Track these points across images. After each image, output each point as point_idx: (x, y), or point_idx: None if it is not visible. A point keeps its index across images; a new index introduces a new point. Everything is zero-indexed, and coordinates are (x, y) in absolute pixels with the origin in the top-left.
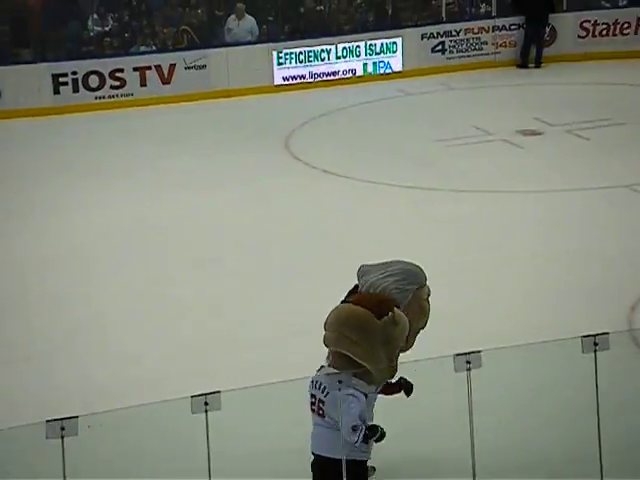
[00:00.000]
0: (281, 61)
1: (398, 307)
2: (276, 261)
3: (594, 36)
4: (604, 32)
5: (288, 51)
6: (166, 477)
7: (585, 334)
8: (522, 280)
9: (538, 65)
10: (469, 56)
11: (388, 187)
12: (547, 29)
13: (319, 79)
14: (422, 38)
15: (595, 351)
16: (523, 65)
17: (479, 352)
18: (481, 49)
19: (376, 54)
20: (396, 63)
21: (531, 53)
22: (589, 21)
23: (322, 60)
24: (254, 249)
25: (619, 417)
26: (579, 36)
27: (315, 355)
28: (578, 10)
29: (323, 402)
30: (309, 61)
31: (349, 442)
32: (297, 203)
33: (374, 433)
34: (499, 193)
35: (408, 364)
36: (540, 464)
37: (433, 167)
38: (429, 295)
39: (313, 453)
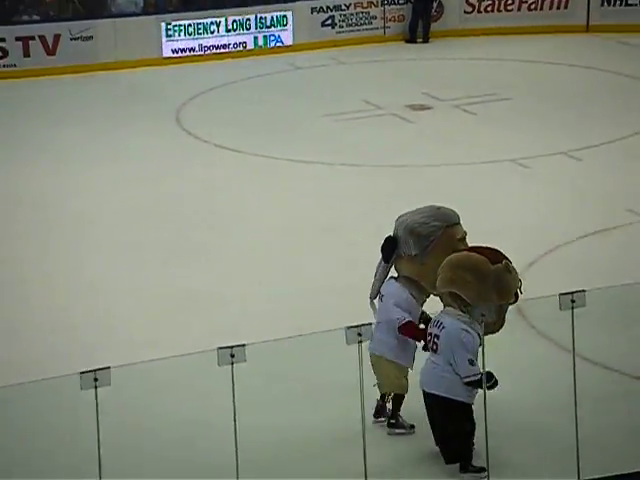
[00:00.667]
0: (170, 33)
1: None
2: (164, 236)
3: (479, 12)
4: (489, 8)
5: (177, 23)
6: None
7: None
8: None
9: (426, 40)
10: (359, 30)
11: (279, 161)
12: (434, 4)
13: (209, 52)
14: (312, 12)
15: (482, 322)
16: (412, 40)
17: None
18: (370, 23)
19: (267, 27)
20: (287, 37)
21: (419, 28)
22: None
23: (212, 33)
24: (144, 225)
25: (511, 384)
26: (465, 12)
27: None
28: None
29: (438, 337)
30: (199, 34)
31: (463, 376)
32: (188, 178)
33: (489, 378)
34: (389, 167)
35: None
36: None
37: (324, 141)
38: (464, 235)
39: (423, 390)
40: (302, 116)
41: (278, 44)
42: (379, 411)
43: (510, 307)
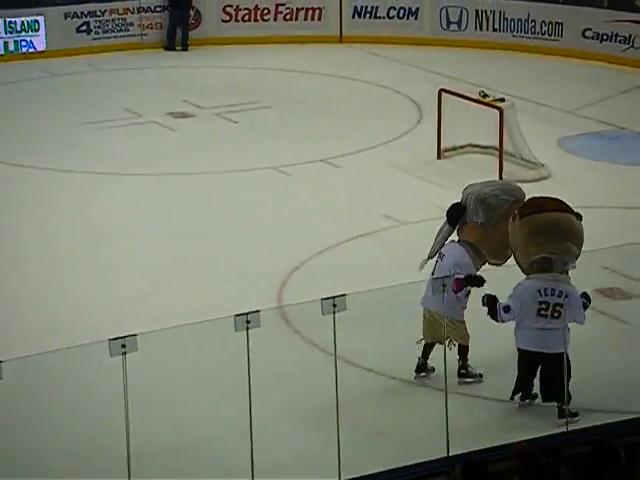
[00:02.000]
0: None
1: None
2: None
3: (237, 21)
4: (246, 17)
5: None
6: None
7: (238, 313)
8: (170, 262)
9: (185, 48)
10: (115, 37)
11: (37, 170)
12: (192, 12)
13: None
14: (65, 17)
15: (247, 329)
16: (170, 47)
17: (135, 335)
18: (127, 30)
19: (17, 32)
20: (39, 42)
21: (178, 35)
22: (231, 6)
23: None
24: None
25: (273, 392)
26: (223, 20)
27: None
28: None
29: (561, 305)
30: None
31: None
32: None
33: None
34: (151, 176)
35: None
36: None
37: (84, 150)
38: None
39: (535, 351)
40: (60, 124)
41: (30, 50)
42: (420, 367)
43: (275, 312)
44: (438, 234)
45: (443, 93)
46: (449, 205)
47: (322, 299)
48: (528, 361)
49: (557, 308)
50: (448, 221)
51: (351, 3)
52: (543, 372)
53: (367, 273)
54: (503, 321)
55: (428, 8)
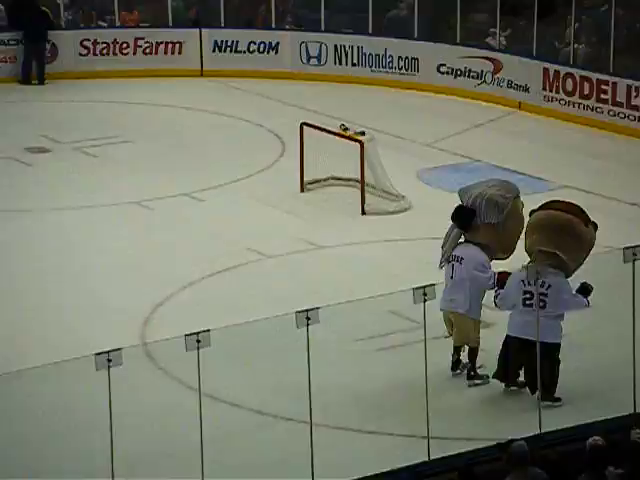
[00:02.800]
0: None
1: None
2: None
3: (95, 54)
4: (105, 51)
5: None
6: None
7: (99, 351)
8: (32, 298)
9: (41, 82)
10: None
11: None
12: (48, 45)
13: None
14: None
15: (109, 367)
16: (26, 81)
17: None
18: None
19: None
20: None
21: (33, 69)
22: (89, 39)
23: None
24: None
25: (137, 431)
26: (80, 54)
27: None
28: (78, 28)
29: (546, 294)
30: None
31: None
32: None
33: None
34: (11, 212)
35: None
36: None
37: None
38: (523, 206)
39: (520, 338)
40: None
41: None
42: (455, 365)
43: (139, 351)
44: (446, 238)
45: (304, 127)
46: (455, 209)
47: (186, 335)
48: (514, 348)
49: (542, 297)
50: (459, 225)
51: (211, 37)
52: (528, 359)
53: (232, 307)
54: (497, 306)
55: (288, 43)
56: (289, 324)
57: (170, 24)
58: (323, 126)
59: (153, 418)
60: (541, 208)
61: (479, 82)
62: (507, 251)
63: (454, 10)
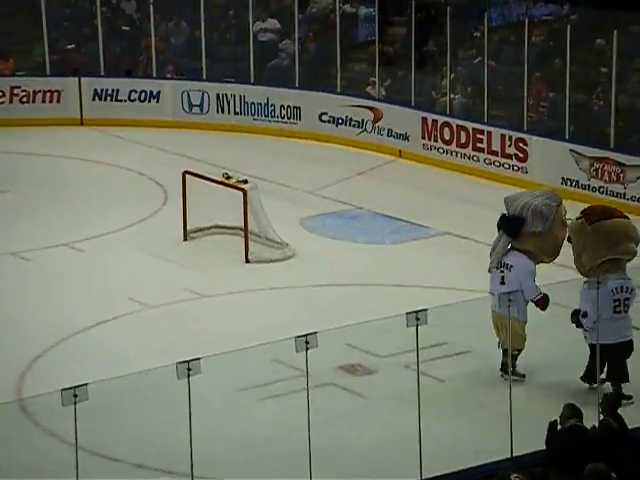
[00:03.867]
0: None
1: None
2: None
3: None
4: None
5: None
6: None
7: None
8: None
9: None
10: None
11: None
12: None
13: None
14: None
15: None
16: None
17: None
18: None
19: None
20: None
21: None
22: None
23: None
24: None
25: None
26: None
27: None
28: None
29: (629, 299)
30: None
31: None
32: None
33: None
34: None
35: None
36: None
37: None
38: (566, 213)
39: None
40: None
41: None
42: (504, 366)
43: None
44: (494, 246)
45: (187, 175)
46: (500, 217)
47: (62, 390)
48: (605, 352)
49: (626, 302)
50: (508, 233)
51: (91, 86)
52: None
53: (113, 359)
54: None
55: (169, 91)
56: (171, 375)
57: (47, 73)
58: (206, 175)
59: (29, 475)
60: (601, 217)
61: (360, 131)
62: (552, 255)
63: (334, 60)
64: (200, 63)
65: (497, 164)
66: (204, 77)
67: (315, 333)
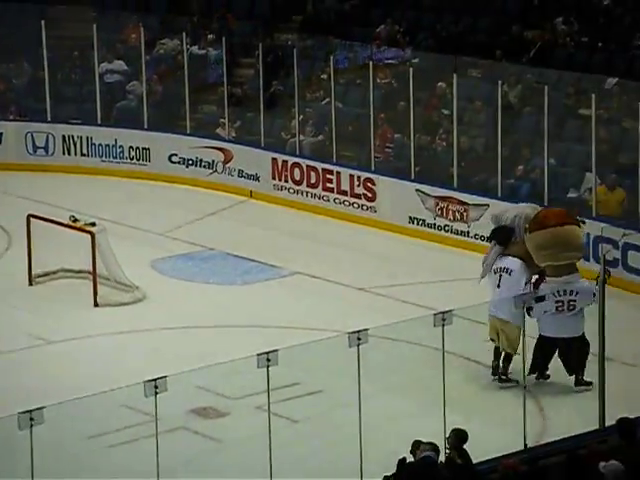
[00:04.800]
0: None
1: None
2: None
3: None
4: None
5: None
6: None
7: None
8: None
9: None
10: None
11: None
12: None
13: None
14: None
15: None
16: None
17: None
18: None
19: None
20: None
21: None
22: None
23: None
24: None
25: None
26: None
27: None
28: None
29: (575, 300)
30: None
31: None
32: None
33: None
34: None
35: None
36: None
37: None
38: None
39: (563, 338)
40: None
41: None
42: (495, 370)
43: None
44: (487, 254)
45: (32, 218)
46: (492, 230)
47: None
48: (546, 344)
49: (571, 302)
50: (498, 242)
51: None
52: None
53: None
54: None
55: (13, 133)
56: (13, 426)
57: None
58: (52, 217)
59: None
60: (537, 227)
61: (211, 172)
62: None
63: (183, 101)
64: (44, 104)
65: (347, 203)
66: (49, 118)
67: (165, 377)
